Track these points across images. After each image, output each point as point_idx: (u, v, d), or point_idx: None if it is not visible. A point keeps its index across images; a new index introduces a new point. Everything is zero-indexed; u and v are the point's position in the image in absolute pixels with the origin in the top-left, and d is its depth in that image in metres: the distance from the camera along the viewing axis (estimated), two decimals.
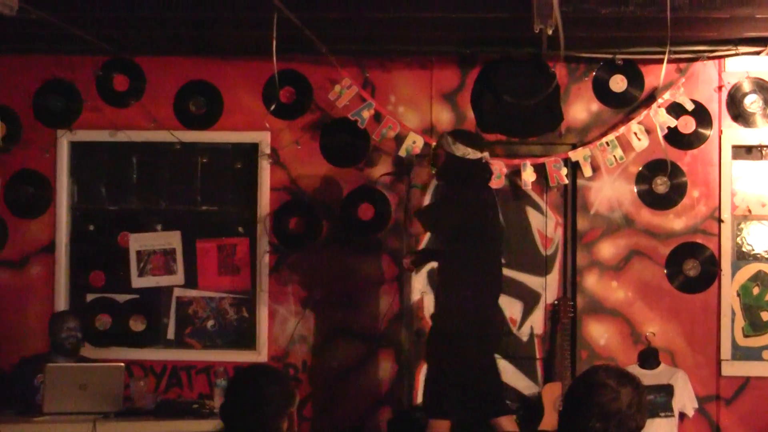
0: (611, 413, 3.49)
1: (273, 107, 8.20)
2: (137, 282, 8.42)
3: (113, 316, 8.41)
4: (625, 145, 7.78)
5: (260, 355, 8.21)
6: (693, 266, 7.91)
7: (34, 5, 6.36)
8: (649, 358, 7.74)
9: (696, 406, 7.68)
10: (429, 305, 8.16)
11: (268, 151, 8.29)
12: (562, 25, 6.50)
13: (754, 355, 7.92)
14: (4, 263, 8.41)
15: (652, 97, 7.86)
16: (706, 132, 7.91)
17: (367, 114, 7.90)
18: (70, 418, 6.45)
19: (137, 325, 8.40)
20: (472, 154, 7.07)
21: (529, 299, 8.21)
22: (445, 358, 6.98)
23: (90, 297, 8.44)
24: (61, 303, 8.32)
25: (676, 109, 7.78)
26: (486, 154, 7.18)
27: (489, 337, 7.12)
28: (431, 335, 7.23)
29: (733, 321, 7.95)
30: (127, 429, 6.73)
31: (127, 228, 8.47)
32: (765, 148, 8.02)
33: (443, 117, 8.18)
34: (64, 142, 8.41)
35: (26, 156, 8.40)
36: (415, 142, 7.82)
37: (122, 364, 6.96)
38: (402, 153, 7.91)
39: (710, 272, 7.90)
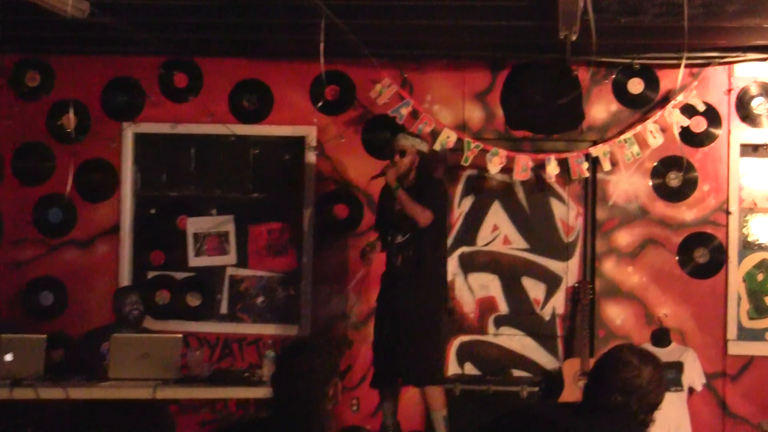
0: (633, 388, 3.63)
1: (320, 104, 8.35)
2: (193, 261, 8.67)
3: (171, 292, 8.67)
4: (642, 142, 7.90)
5: (304, 329, 8.44)
6: (702, 254, 8.06)
7: (103, 10, 6.58)
8: (661, 337, 7.88)
9: (704, 381, 7.86)
10: (460, 286, 8.41)
11: (314, 143, 8.49)
12: (585, 33, 6.51)
13: (757, 336, 8.04)
14: (74, 243, 8.65)
15: (666, 99, 7.98)
16: (716, 131, 8.06)
17: (405, 111, 8.07)
18: (132, 384, 6.54)
19: (193, 300, 8.65)
20: (423, 145, 7.45)
21: (552, 282, 8.35)
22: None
23: (151, 274, 8.71)
24: (125, 279, 8.57)
25: (688, 110, 7.91)
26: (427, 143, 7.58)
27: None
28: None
29: (738, 305, 8.05)
30: (184, 394, 6.95)
31: (185, 212, 8.71)
32: None
33: (474, 115, 8.34)
34: (128, 133, 8.65)
35: (94, 146, 8.61)
36: (449, 137, 7.99)
37: (180, 335, 7.07)
38: (437, 147, 8.01)
39: (718, 260, 8.06)
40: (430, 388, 7.15)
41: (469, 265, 8.40)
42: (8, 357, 6.54)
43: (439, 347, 7.43)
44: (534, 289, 8.38)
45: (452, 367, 8.27)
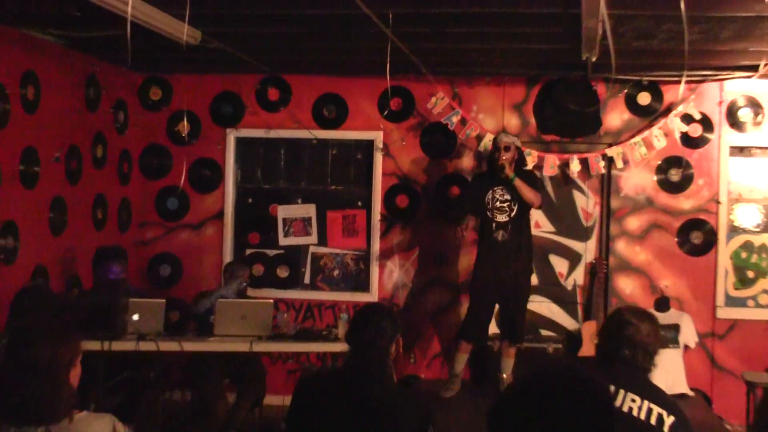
0: (636, 343, 3.86)
1: (386, 113, 8.80)
2: (283, 241, 9.13)
3: (265, 266, 9.15)
4: (648, 145, 8.35)
5: (372, 296, 8.85)
6: (697, 236, 8.50)
7: (212, 37, 6.90)
8: (662, 304, 8.29)
9: (697, 340, 8.27)
10: None
11: (381, 145, 8.90)
12: (603, 54, 6.85)
13: (741, 303, 8.46)
14: (187, 226, 9.20)
15: (669, 109, 8.37)
16: (710, 136, 8.44)
17: (455, 119, 8.52)
18: (233, 339, 7.00)
19: (282, 272, 9.16)
20: (519, 142, 7.66)
21: (574, 259, 8.72)
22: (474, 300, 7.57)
23: (248, 251, 9.18)
24: (228, 256, 9.03)
25: (687, 118, 8.33)
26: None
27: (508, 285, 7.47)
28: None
29: (726, 278, 8.45)
30: (275, 348, 7.52)
31: (276, 201, 9.16)
32: (753, 149, 8.49)
33: (512, 122, 8.71)
34: (231, 137, 9.14)
35: (204, 147, 9.14)
36: (491, 141, 8.03)
37: (271, 301, 7.47)
38: (481, 148, 8.46)
39: (710, 241, 8.45)
40: (514, 348, 7.54)
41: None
42: (135, 317, 6.95)
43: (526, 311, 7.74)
44: (559, 264, 8.73)
45: (492, 329, 8.10)
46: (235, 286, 7.78)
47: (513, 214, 7.40)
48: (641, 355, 3.88)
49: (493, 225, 7.40)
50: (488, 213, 7.41)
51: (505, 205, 7.38)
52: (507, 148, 7.39)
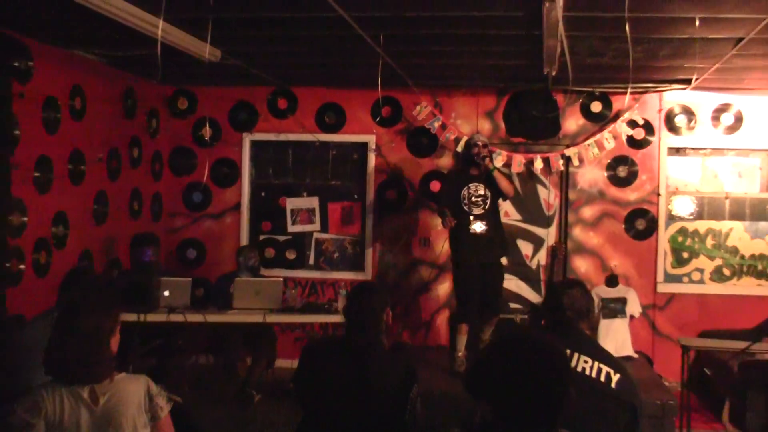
0: (574, 307, 3.91)
1: (378, 119, 8.76)
2: (291, 228, 9.07)
3: (276, 250, 9.10)
4: (600, 146, 8.35)
5: (367, 275, 8.84)
6: (641, 223, 8.50)
7: (230, 55, 6.90)
8: (612, 280, 8.30)
9: (641, 311, 8.31)
10: None
11: (374, 147, 8.84)
12: (562, 69, 6.89)
13: (678, 279, 8.50)
14: (210, 216, 9.15)
15: (617, 116, 8.35)
16: (651, 138, 8.43)
17: (437, 124, 8.50)
18: (249, 312, 6.93)
19: (291, 255, 9.09)
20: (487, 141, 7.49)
21: (537, 243, 8.68)
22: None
23: (262, 237, 9.12)
24: (244, 241, 9.02)
25: (632, 124, 8.34)
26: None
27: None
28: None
29: (665, 258, 8.49)
30: (284, 319, 7.43)
31: (285, 194, 9.09)
32: (688, 149, 8.49)
33: (485, 126, 8.65)
34: (247, 140, 9.07)
35: (224, 149, 9.08)
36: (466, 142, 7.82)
37: (281, 279, 7.39)
38: (459, 149, 8.33)
39: (651, 227, 8.47)
40: (496, 317, 7.42)
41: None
42: (166, 293, 6.93)
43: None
44: (525, 247, 8.67)
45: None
46: (245, 266, 7.84)
47: (487, 206, 7.29)
48: (580, 315, 3.90)
49: (471, 217, 7.24)
50: (465, 207, 7.24)
51: (479, 199, 7.26)
52: (485, 145, 7.33)
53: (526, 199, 8.73)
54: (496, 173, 7.21)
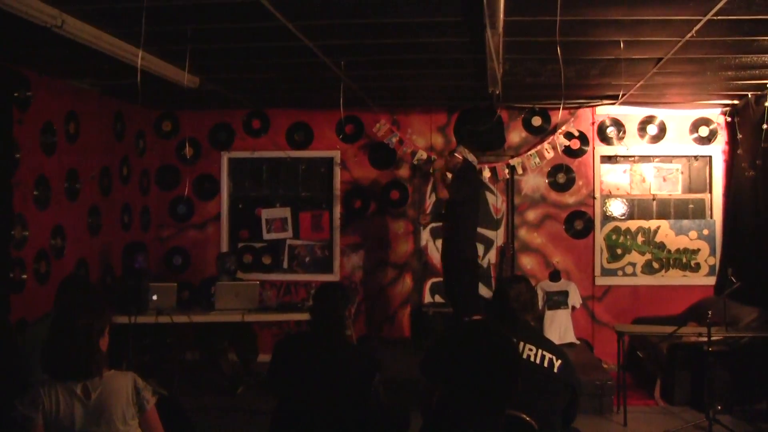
0: (519, 301, 3.89)
1: (341, 136, 8.78)
2: (266, 236, 8.99)
3: (253, 255, 9.01)
4: (541, 156, 8.39)
5: (336, 276, 8.78)
6: (579, 224, 8.56)
7: (208, 82, 6.92)
8: (555, 275, 8.34)
9: (581, 302, 8.38)
10: (432, 248, 8.61)
11: (339, 161, 8.83)
12: (505, 88, 6.95)
13: (613, 273, 8.53)
14: (193, 226, 9.08)
15: (555, 129, 8.41)
16: (586, 148, 8.53)
17: (395, 140, 8.53)
18: (229, 312, 6.93)
19: (267, 260, 8.99)
20: (473, 159, 7.66)
21: (488, 243, 8.61)
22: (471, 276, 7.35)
23: (240, 244, 9.06)
24: (224, 248, 8.95)
25: (568, 135, 8.41)
26: (475, 159, 7.69)
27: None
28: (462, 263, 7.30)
29: (601, 254, 8.54)
30: (262, 317, 7.28)
31: (260, 205, 9.02)
32: (618, 157, 8.55)
33: (438, 140, 8.67)
34: (225, 158, 9.03)
35: (204, 166, 9.03)
36: (422, 155, 8.44)
37: (258, 282, 7.41)
38: (415, 161, 8.51)
39: (589, 227, 8.55)
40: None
41: (436, 234, 8.53)
42: (154, 297, 6.92)
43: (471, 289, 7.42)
44: (477, 248, 8.09)
45: (426, 298, 8.54)
46: (225, 270, 7.72)
47: (447, 210, 7.37)
48: (525, 307, 3.88)
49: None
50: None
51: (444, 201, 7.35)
52: (452, 153, 7.41)
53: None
54: (437, 174, 7.22)
